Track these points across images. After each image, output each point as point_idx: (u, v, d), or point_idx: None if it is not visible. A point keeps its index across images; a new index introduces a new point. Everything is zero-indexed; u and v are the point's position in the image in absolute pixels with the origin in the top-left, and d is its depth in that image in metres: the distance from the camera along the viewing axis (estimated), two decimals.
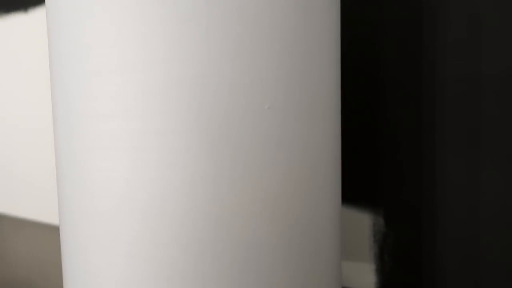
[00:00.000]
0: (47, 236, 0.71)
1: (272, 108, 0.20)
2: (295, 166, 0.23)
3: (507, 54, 0.35)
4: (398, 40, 0.39)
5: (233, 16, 0.19)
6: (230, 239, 0.22)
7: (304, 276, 0.26)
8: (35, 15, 0.67)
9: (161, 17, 0.20)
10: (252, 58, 0.20)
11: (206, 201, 0.21)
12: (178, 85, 0.20)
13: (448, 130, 0.38)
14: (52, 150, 0.66)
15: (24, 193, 0.70)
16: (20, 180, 0.70)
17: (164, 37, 0.20)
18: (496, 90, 0.35)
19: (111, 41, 0.21)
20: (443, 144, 0.38)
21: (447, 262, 0.39)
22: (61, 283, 0.71)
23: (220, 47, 0.20)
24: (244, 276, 0.23)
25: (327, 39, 0.25)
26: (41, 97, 0.66)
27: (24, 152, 0.69)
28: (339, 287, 0.31)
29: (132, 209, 0.22)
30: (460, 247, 0.38)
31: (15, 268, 0.77)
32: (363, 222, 0.42)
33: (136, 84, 0.21)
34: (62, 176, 0.25)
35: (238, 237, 0.22)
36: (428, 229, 0.39)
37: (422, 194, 0.39)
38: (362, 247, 0.43)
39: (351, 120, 0.42)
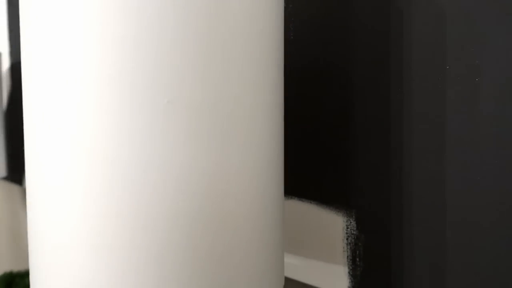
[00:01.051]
0: None
1: (171, 103, 0.23)
2: (209, 163, 0.25)
3: (472, 53, 0.34)
4: (367, 43, 0.40)
5: (131, 11, 0.22)
6: (147, 242, 0.24)
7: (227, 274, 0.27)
8: None
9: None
10: (154, 54, 0.22)
11: (124, 202, 0.24)
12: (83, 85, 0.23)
13: (416, 136, 0.37)
14: None
15: None
16: None
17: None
18: (461, 91, 0.34)
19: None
20: (411, 149, 0.37)
21: (416, 267, 0.38)
22: None
23: (117, 43, 0.22)
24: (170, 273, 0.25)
25: (253, 39, 0.27)
26: None
27: None
28: (280, 280, 0.32)
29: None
30: (429, 252, 0.37)
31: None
32: (338, 224, 0.42)
33: None
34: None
35: (156, 238, 0.24)
36: (397, 233, 0.38)
37: (391, 199, 0.39)
38: (336, 249, 0.43)
39: (326, 124, 0.43)
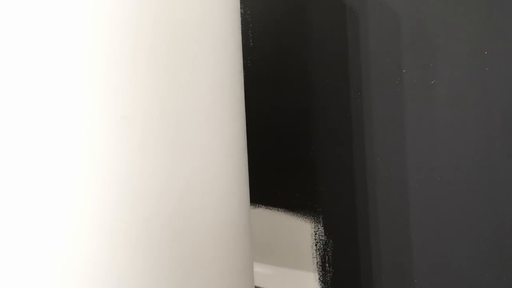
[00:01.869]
0: None
1: (125, 118, 0.21)
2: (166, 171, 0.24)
3: (426, 56, 0.34)
4: (325, 48, 0.40)
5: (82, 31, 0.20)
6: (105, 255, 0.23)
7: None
8: None
9: None
10: (106, 70, 0.21)
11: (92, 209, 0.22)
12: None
13: (377, 139, 0.37)
14: None
15: None
16: None
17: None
18: (417, 93, 0.35)
19: None
20: (373, 153, 0.38)
21: (384, 270, 0.38)
22: None
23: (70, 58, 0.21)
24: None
25: (206, 49, 0.26)
26: None
27: None
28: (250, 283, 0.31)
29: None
30: (396, 254, 0.37)
31: None
32: (306, 230, 0.42)
33: None
34: None
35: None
36: (364, 237, 0.39)
37: (357, 203, 0.39)
38: (305, 256, 0.42)
39: (289, 130, 0.43)
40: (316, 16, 0.40)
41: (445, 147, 0.34)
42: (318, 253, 0.41)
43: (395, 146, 0.36)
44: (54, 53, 0.21)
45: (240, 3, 0.45)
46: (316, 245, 0.41)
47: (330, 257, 0.41)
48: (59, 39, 0.21)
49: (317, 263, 0.41)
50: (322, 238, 0.41)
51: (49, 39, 0.21)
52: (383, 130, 0.37)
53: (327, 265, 0.41)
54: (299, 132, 0.42)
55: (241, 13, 0.45)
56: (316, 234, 0.41)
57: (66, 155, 0.21)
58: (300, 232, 0.42)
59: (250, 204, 0.46)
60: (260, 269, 0.45)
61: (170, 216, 0.25)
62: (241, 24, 0.45)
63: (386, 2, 0.36)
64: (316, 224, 0.41)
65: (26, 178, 0.22)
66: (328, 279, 0.41)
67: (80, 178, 0.22)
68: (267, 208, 0.45)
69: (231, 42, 0.29)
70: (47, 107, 0.21)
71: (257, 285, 0.46)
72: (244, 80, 0.46)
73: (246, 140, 0.32)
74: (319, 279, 0.42)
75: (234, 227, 0.29)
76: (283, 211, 0.44)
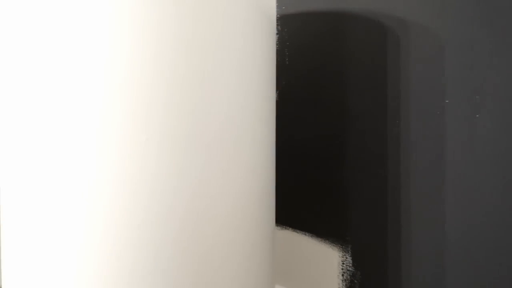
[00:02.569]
0: None
1: (149, 140, 0.21)
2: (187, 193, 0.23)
3: (472, 88, 0.32)
4: (363, 72, 0.38)
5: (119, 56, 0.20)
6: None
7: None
8: None
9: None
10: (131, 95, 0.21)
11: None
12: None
13: (413, 171, 0.35)
14: None
15: None
16: None
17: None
18: (459, 126, 0.32)
19: None
20: (409, 184, 0.35)
21: None
22: None
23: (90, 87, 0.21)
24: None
25: (239, 73, 0.25)
26: None
27: None
28: None
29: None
30: None
31: None
32: (333, 259, 0.41)
33: None
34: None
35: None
36: (395, 272, 0.37)
37: (389, 236, 0.37)
38: (331, 285, 0.41)
39: (323, 156, 0.41)
40: (354, 37, 0.38)
41: (486, 186, 0.31)
42: (344, 283, 0.40)
43: (431, 182, 0.34)
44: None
45: (278, 20, 0.45)
46: (343, 275, 0.40)
47: None
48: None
49: None
50: (350, 269, 0.39)
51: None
52: (420, 163, 0.35)
53: None
54: (333, 157, 0.41)
55: (278, 30, 0.45)
56: (343, 264, 0.40)
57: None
58: (327, 260, 0.41)
59: (277, 225, 0.45)
60: None
61: (193, 233, 0.25)
62: (278, 42, 0.45)
63: (430, 26, 0.33)
64: (344, 253, 0.40)
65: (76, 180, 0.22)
66: None
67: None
68: (294, 231, 0.44)
69: (266, 67, 0.28)
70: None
71: None
72: (279, 100, 0.45)
73: (274, 162, 0.32)
74: None
75: (256, 248, 0.29)
76: (311, 236, 0.42)
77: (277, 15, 0.45)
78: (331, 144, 0.41)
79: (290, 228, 0.44)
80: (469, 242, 0.32)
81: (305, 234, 0.43)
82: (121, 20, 0.22)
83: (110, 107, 0.22)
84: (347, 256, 0.40)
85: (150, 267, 0.24)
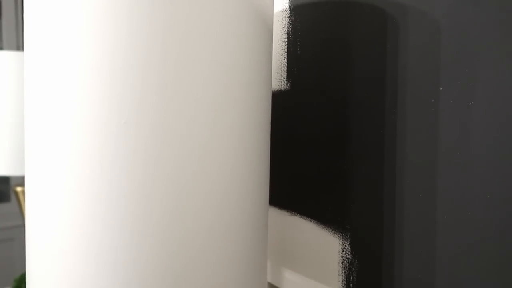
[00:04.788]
0: None
1: (127, 123, 0.24)
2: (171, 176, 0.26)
3: (466, 75, 0.30)
4: (365, 58, 0.37)
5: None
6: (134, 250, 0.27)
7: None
8: None
9: None
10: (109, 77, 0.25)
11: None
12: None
13: (409, 159, 0.34)
14: None
15: None
16: None
17: None
18: (453, 114, 0.31)
19: None
20: (403, 176, 0.35)
21: None
22: None
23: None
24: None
25: (231, 55, 0.28)
26: None
27: None
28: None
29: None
30: (421, 284, 0.34)
31: None
32: (335, 246, 0.41)
33: None
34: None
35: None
36: (389, 263, 0.36)
37: (385, 226, 0.36)
38: (332, 272, 0.41)
39: (325, 142, 0.42)
40: (358, 24, 0.38)
41: (477, 178, 0.30)
42: (343, 271, 0.40)
43: (425, 170, 0.33)
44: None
45: (292, 10, 0.46)
46: (342, 262, 0.40)
47: (355, 277, 0.39)
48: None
49: (342, 281, 0.40)
50: (349, 256, 0.40)
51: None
52: (415, 151, 0.34)
53: (351, 285, 0.39)
54: (334, 143, 0.41)
55: (292, 21, 0.45)
56: (343, 251, 0.40)
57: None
58: (329, 247, 0.42)
59: (287, 211, 0.47)
60: (289, 276, 0.46)
61: (194, 213, 0.27)
62: (291, 32, 0.46)
63: (427, 11, 0.32)
64: (344, 241, 0.40)
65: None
66: None
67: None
68: (301, 217, 0.45)
69: (262, 52, 0.30)
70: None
71: None
72: (290, 89, 0.46)
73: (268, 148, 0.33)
74: None
75: (250, 227, 0.31)
76: (315, 223, 0.43)
77: (290, 5, 0.46)
78: (333, 131, 0.41)
79: (298, 215, 0.45)
80: (463, 236, 0.31)
81: (311, 221, 0.44)
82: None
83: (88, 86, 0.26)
84: (346, 244, 0.40)
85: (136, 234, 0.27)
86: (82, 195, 0.27)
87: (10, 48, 2.16)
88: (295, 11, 0.45)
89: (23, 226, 2.16)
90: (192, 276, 0.29)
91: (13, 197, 2.15)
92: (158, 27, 0.26)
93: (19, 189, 1.06)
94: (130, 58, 0.26)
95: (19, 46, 2.20)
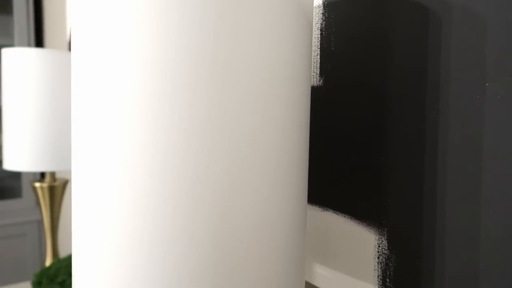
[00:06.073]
0: None
1: (181, 118, 0.25)
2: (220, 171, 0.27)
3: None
4: (405, 56, 0.38)
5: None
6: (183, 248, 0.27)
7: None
8: None
9: None
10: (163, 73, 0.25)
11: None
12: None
13: (451, 156, 0.34)
14: None
15: None
16: None
17: None
18: (499, 110, 0.31)
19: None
20: (445, 169, 0.35)
21: None
22: None
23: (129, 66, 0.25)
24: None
25: (275, 61, 0.28)
26: None
27: None
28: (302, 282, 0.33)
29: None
30: (460, 280, 0.34)
31: None
32: (370, 241, 0.41)
33: None
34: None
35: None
36: (429, 257, 0.36)
37: (424, 221, 0.37)
38: (367, 267, 0.42)
39: (365, 138, 0.42)
40: (397, 20, 0.38)
41: None
42: (379, 266, 0.40)
43: (469, 168, 0.33)
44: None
45: (326, 6, 0.46)
46: (378, 257, 0.40)
47: (392, 272, 0.39)
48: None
49: (377, 276, 0.41)
50: (385, 251, 0.40)
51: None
52: (458, 148, 0.34)
53: (387, 280, 0.40)
54: (372, 140, 0.41)
55: (326, 17, 0.46)
56: (379, 246, 0.40)
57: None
58: (364, 242, 0.42)
59: (319, 207, 0.47)
60: (321, 271, 0.46)
61: (230, 212, 0.28)
62: (324, 28, 0.46)
63: (472, 7, 0.32)
64: (380, 236, 0.40)
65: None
66: None
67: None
68: (334, 213, 0.45)
69: (303, 61, 0.30)
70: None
71: (317, 285, 0.47)
72: (323, 86, 0.47)
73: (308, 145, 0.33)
74: None
75: (288, 225, 0.31)
76: (350, 218, 0.43)
77: (324, 1, 0.46)
78: (371, 128, 0.41)
79: (331, 210, 0.46)
80: (507, 226, 0.31)
81: (345, 216, 0.44)
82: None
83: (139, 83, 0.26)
84: (383, 239, 0.40)
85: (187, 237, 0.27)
86: (134, 189, 0.28)
87: (21, 45, 2.18)
88: (329, 7, 0.45)
89: (37, 221, 2.18)
90: (240, 271, 0.29)
91: (25, 193, 2.17)
92: (209, 21, 0.26)
93: (37, 184, 1.07)
94: (182, 53, 0.26)
95: (30, 43, 2.21)
